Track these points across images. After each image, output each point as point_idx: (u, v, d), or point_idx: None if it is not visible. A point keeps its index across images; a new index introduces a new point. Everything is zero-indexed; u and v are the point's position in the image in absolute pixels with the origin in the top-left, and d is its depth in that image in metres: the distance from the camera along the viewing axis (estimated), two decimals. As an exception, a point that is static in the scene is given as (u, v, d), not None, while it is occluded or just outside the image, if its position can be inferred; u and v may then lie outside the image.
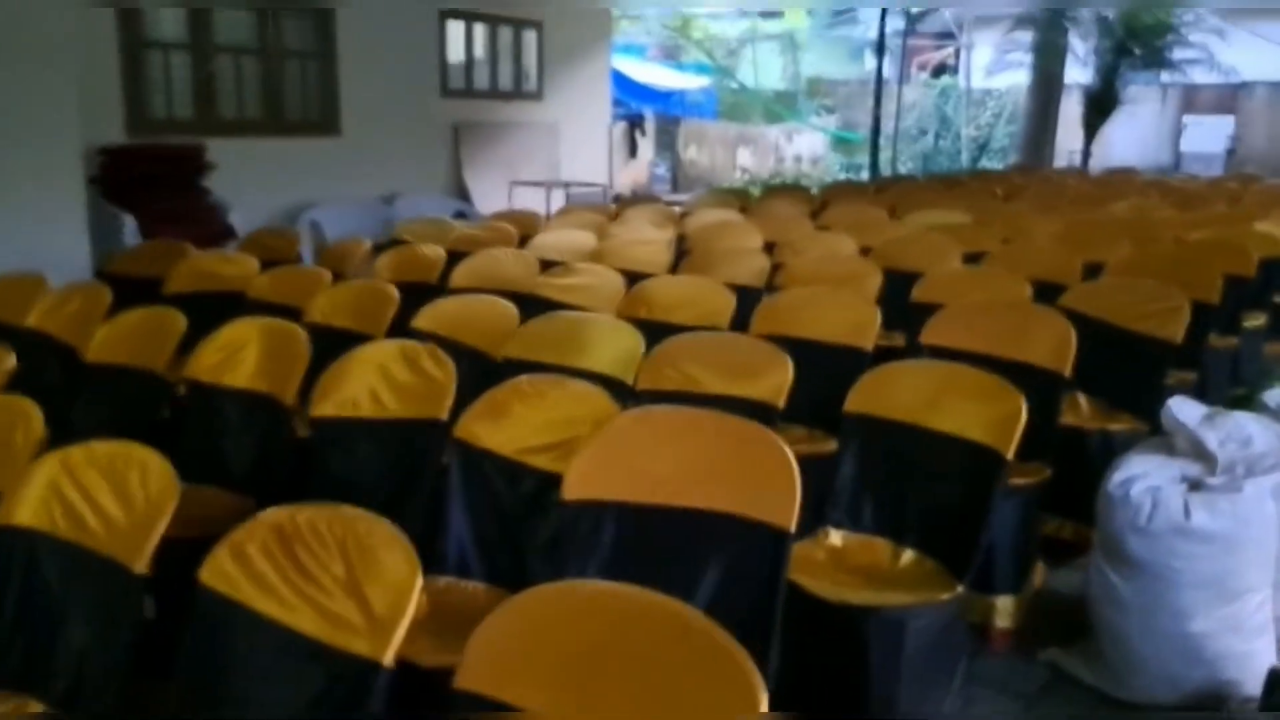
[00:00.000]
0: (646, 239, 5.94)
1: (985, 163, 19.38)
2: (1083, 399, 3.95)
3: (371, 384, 2.91)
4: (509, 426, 2.56)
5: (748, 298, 4.34)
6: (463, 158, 14.52)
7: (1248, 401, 5.52)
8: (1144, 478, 2.78)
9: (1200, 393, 4.84)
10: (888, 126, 21.27)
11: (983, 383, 2.76)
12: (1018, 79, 17.66)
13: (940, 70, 22.41)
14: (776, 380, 3.01)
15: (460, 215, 9.33)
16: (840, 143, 21.81)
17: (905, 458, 2.84)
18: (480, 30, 14.67)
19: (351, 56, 9.83)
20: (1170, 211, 7.29)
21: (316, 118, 9.69)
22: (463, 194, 14.13)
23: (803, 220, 6.91)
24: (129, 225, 6.93)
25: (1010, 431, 2.62)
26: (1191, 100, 18.68)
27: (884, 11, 14.86)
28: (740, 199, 8.74)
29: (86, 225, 6.32)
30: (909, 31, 25.24)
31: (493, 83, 15.07)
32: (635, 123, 17.80)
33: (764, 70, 23.62)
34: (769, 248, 5.86)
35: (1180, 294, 3.88)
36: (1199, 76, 15.42)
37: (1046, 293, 4.33)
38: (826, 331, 3.77)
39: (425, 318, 3.91)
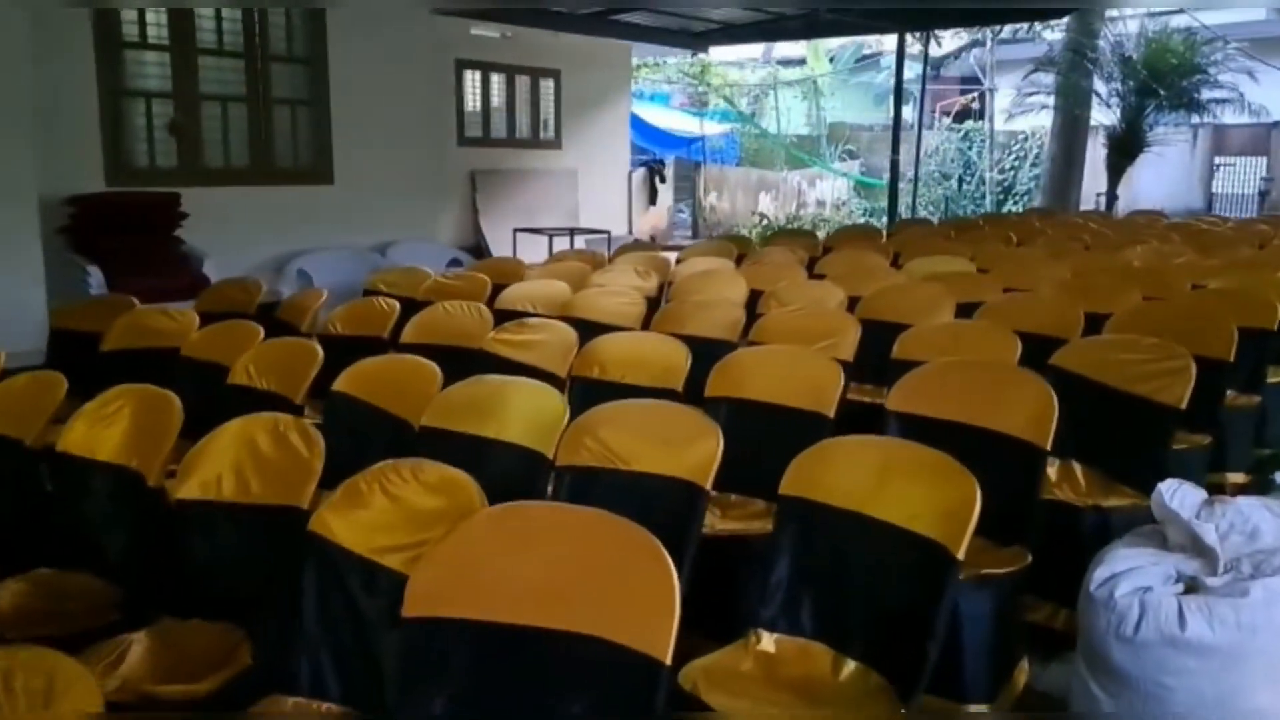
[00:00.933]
0: (622, 289, 5.59)
1: (1010, 207, 18.93)
2: (1079, 470, 3.52)
3: (238, 461, 2.55)
4: (368, 519, 2.19)
5: (718, 352, 3.98)
6: (479, 205, 14.35)
7: (1275, 464, 5.06)
8: (1131, 575, 2.35)
9: (1218, 457, 4.41)
10: (910, 171, 21.04)
11: (933, 463, 2.34)
12: (1042, 122, 17.28)
13: (964, 115, 22.03)
14: (704, 454, 2.62)
15: (455, 263, 9.03)
16: (864, 187, 21.48)
17: (846, 550, 2.44)
18: (497, 79, 14.56)
19: (347, 104, 9.62)
20: (1190, 256, 6.82)
21: (309, 166, 9.46)
22: (480, 240, 13.95)
23: (796, 269, 6.53)
24: (95, 277, 6.68)
25: (962, 523, 2.19)
26: (1222, 141, 18.11)
27: (900, 55, 14.50)
28: (740, 245, 8.37)
29: (43, 278, 6.09)
30: (934, 76, 25.06)
31: (510, 131, 14.93)
32: (655, 169, 17.57)
33: (786, 116, 23.41)
34: (756, 297, 5.52)
35: (1185, 352, 3.44)
36: (1229, 117, 14.93)
37: (1041, 348, 3.92)
38: (784, 394, 3.39)
39: (346, 379, 3.56)
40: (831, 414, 3.28)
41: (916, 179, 15.97)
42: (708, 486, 2.59)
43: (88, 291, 6.59)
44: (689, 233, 18.98)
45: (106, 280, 6.71)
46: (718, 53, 24.96)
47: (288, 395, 3.58)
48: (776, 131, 23.34)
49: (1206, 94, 13.65)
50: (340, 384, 3.54)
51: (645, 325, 4.97)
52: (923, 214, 18.34)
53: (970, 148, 20.24)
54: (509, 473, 2.86)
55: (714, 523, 3.13)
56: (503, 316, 4.84)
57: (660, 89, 22.48)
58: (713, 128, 21.50)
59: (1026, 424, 2.92)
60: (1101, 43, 14.48)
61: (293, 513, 2.36)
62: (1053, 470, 3.40)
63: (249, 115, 8.81)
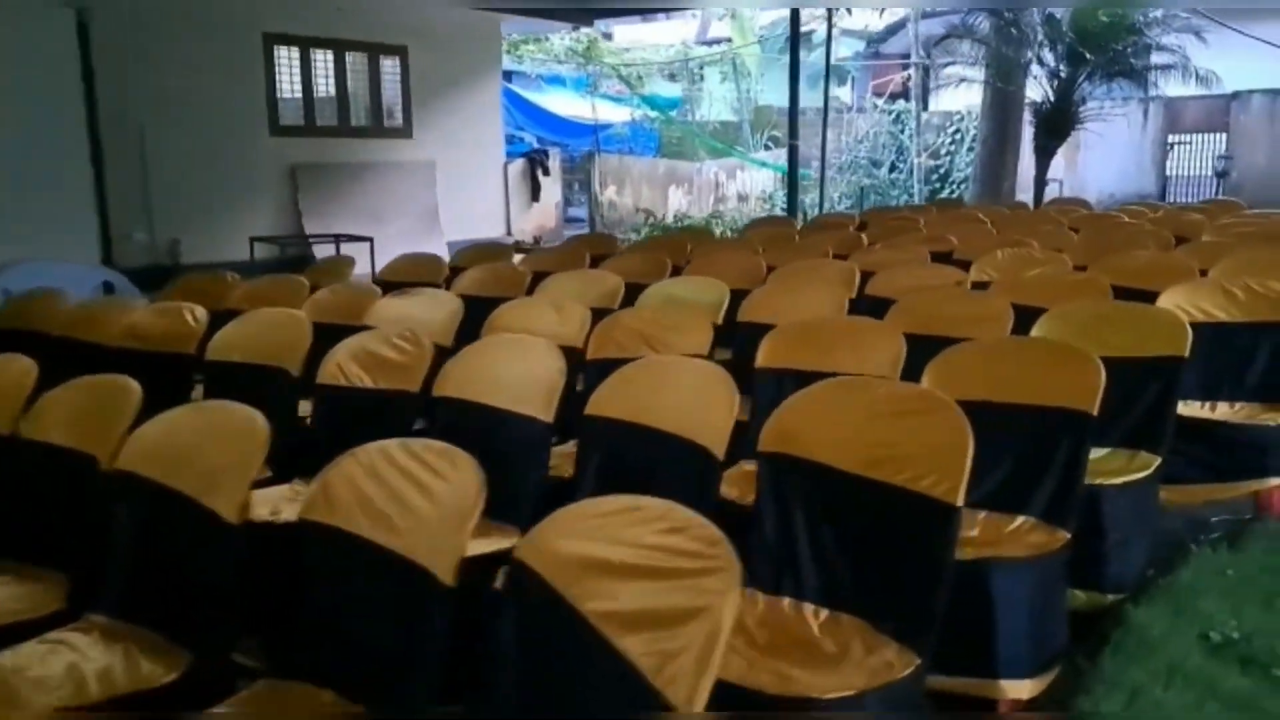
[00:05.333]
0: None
1: (946, 194, 16.95)
2: None
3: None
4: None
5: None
6: (302, 206, 12.34)
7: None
8: None
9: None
10: (831, 158, 19.01)
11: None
12: (977, 99, 15.31)
13: (902, 95, 20.03)
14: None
15: (109, 288, 7.02)
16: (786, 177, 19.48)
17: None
18: (322, 57, 12.54)
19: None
20: (1052, 268, 4.88)
21: None
22: (306, 243, 11.96)
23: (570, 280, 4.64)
24: None
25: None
26: (1176, 117, 16.10)
27: (795, 30, 12.52)
28: (605, 246, 6.57)
29: None
30: (872, 54, 23.02)
31: (342, 117, 12.92)
32: (536, 160, 15.57)
33: (709, 100, 21.43)
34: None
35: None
36: (1177, 87, 12.96)
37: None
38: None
39: None
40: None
41: (824, 167, 13.96)
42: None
43: None
44: (586, 232, 16.98)
45: None
46: (633, 33, 23.00)
47: None
48: (693, 118, 21.38)
49: (1146, 59, 11.65)
50: None
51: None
52: (840, 207, 16.41)
53: (903, 131, 18.26)
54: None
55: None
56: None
57: (555, 70, 20.42)
58: (609, 111, 19.49)
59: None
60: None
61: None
62: None
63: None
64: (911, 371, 3.15)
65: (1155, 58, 11.75)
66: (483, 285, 5.08)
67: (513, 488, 2.65)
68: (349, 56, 12.68)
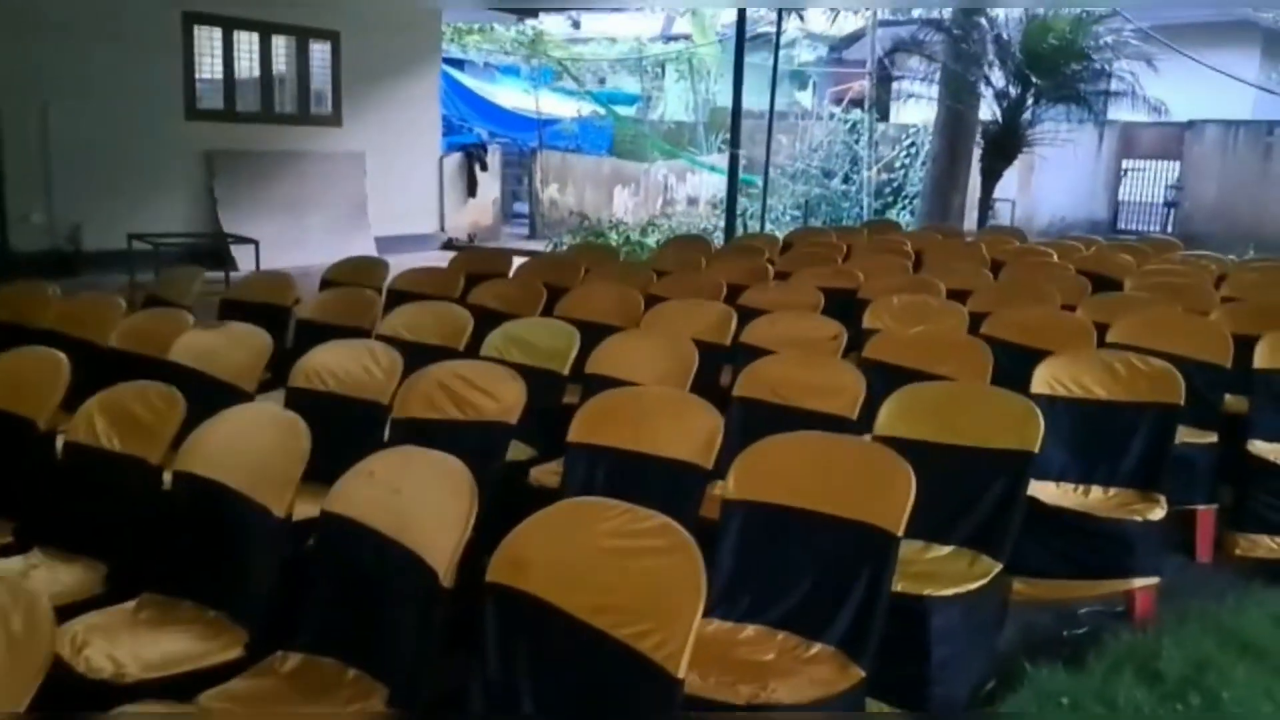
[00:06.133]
0: None
1: (897, 213, 16.63)
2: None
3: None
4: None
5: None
6: (219, 195, 11.80)
7: None
8: None
9: None
10: (791, 165, 18.63)
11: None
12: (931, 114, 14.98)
13: (860, 104, 19.68)
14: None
15: None
16: (745, 185, 19.07)
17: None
18: (247, 39, 12.00)
19: None
20: (930, 323, 4.53)
21: None
22: (220, 236, 11.43)
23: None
24: None
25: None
26: (1132, 142, 15.84)
27: (740, 29, 12.10)
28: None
29: None
30: (835, 59, 22.69)
31: (266, 103, 12.39)
32: (473, 154, 15.09)
33: (663, 99, 21.03)
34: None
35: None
36: (1127, 114, 12.68)
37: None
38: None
39: None
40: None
41: (766, 181, 13.61)
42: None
43: None
44: (526, 230, 16.57)
45: None
46: (601, 24, 22.49)
47: None
48: (654, 116, 20.97)
49: (1099, 86, 11.33)
50: None
51: None
52: (786, 219, 16.07)
53: (858, 141, 17.91)
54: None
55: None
56: None
57: (504, 60, 19.89)
58: (561, 106, 19.02)
59: None
60: (982, 21, 12.15)
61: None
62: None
63: None
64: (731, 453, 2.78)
65: (1105, 84, 11.45)
66: (326, 311, 4.66)
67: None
68: (276, 40, 12.15)
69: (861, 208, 16.81)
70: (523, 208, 17.63)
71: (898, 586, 2.60)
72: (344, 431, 3.00)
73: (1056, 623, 3.58)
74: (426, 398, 3.25)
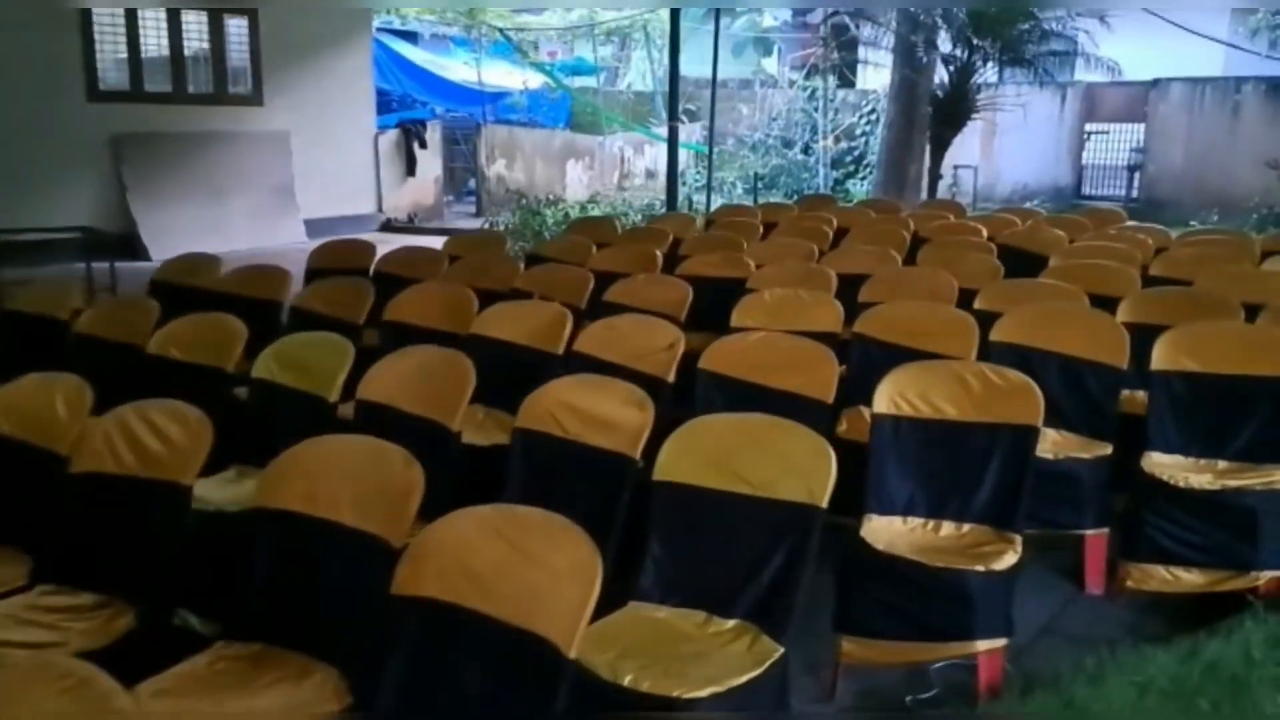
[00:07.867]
0: None
1: (854, 184, 16.04)
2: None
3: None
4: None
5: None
6: (127, 182, 11.19)
7: None
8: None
9: None
10: (750, 135, 18.00)
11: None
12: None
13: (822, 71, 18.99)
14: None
15: None
16: (703, 156, 18.48)
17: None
18: (153, 16, 11.36)
19: None
20: (796, 322, 4.02)
21: None
22: (130, 226, 10.86)
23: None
24: None
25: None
26: (1095, 104, 15.21)
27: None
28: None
29: None
30: (799, 24, 21.98)
31: (177, 82, 11.76)
32: (412, 130, 14.46)
33: (628, 68, 20.35)
34: None
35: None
36: (1085, 76, 12.08)
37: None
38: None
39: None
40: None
41: (712, 151, 13.01)
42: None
43: None
44: (473, 209, 15.94)
45: None
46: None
47: None
48: (618, 86, 20.29)
49: (1044, 47, 10.73)
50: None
51: None
52: (738, 192, 15.49)
53: (817, 109, 17.28)
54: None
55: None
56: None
57: (457, 33, 19.18)
58: (504, 75, 18.34)
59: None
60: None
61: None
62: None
63: None
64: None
65: (1054, 44, 10.85)
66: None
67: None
68: (186, 15, 11.50)
69: (821, 178, 16.22)
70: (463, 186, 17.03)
71: (644, 686, 2.09)
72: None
73: (903, 685, 3.07)
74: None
